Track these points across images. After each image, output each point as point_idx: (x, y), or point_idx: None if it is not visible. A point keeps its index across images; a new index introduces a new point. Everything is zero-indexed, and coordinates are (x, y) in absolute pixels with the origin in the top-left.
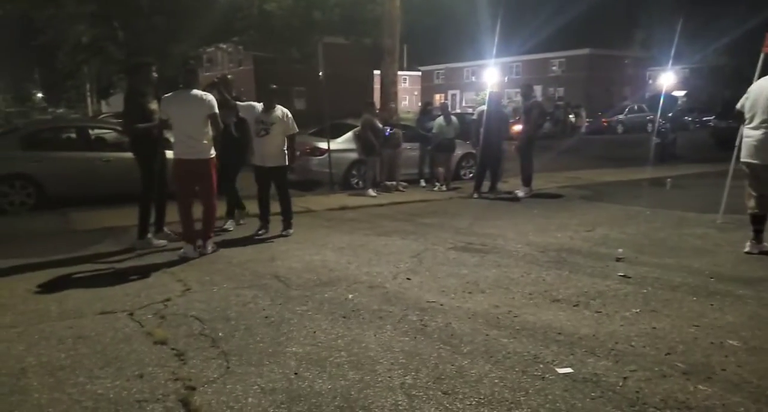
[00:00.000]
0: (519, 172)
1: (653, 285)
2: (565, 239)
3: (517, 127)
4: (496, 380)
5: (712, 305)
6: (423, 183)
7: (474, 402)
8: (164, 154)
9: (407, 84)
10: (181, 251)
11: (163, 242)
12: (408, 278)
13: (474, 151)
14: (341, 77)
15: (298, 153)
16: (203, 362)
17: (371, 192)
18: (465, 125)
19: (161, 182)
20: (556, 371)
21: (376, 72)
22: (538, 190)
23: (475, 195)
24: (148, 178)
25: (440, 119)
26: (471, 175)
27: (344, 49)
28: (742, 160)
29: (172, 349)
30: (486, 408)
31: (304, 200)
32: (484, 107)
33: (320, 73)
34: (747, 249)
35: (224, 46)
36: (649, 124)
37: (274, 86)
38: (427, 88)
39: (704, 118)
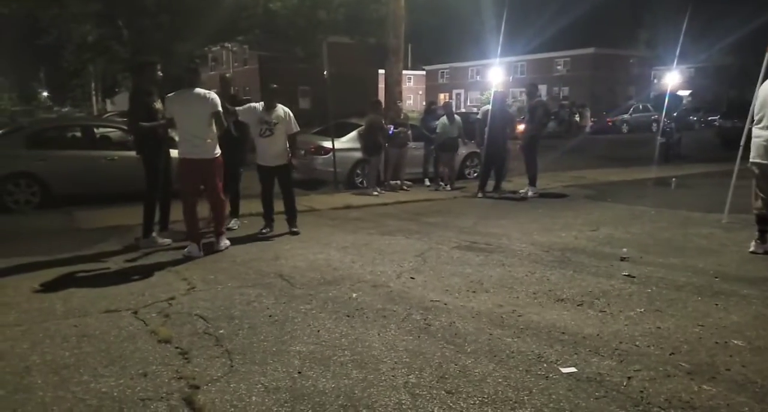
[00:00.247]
0: (524, 171)
1: (658, 285)
2: (569, 238)
3: (522, 127)
4: (499, 380)
5: (716, 304)
6: (427, 182)
7: (477, 401)
8: (168, 153)
9: (412, 83)
10: (186, 249)
11: (167, 240)
12: (412, 277)
13: (478, 150)
14: (346, 76)
15: (302, 152)
16: (207, 360)
17: (374, 191)
18: (469, 125)
19: (165, 181)
20: (560, 371)
21: (381, 71)
22: (543, 189)
23: (480, 194)
24: (152, 177)
25: (443, 119)
26: (475, 174)
27: (349, 48)
28: (751, 160)
29: (176, 347)
30: (489, 407)
31: (309, 199)
32: (489, 107)
33: (325, 73)
34: (752, 249)
35: (229, 45)
36: (654, 124)
37: (275, 86)
38: (432, 88)
39: (709, 118)
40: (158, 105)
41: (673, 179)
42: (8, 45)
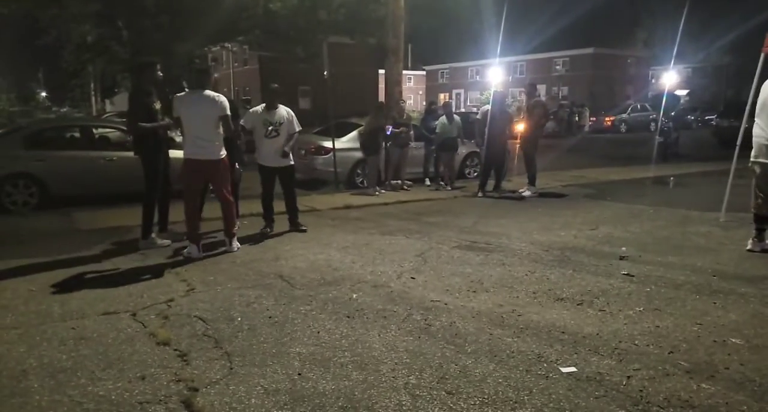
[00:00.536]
0: (523, 171)
1: (657, 283)
2: (569, 237)
3: (521, 126)
4: (500, 380)
5: (715, 303)
6: (428, 182)
7: (478, 402)
8: (168, 153)
9: (412, 83)
10: (185, 250)
11: (166, 241)
12: (412, 277)
13: (478, 150)
14: (346, 77)
15: (302, 152)
16: (206, 362)
17: (375, 191)
18: (468, 125)
19: (165, 182)
20: (559, 370)
21: (381, 71)
22: (543, 188)
23: (480, 194)
24: (151, 177)
25: (443, 118)
26: (475, 174)
27: (349, 48)
28: (752, 159)
29: (175, 350)
30: (490, 408)
31: (309, 199)
32: (489, 106)
33: (325, 73)
34: (749, 247)
35: (229, 45)
36: (652, 123)
37: (276, 86)
38: (432, 88)
39: (707, 117)
40: (158, 106)
41: (671, 178)
42: (7, 45)
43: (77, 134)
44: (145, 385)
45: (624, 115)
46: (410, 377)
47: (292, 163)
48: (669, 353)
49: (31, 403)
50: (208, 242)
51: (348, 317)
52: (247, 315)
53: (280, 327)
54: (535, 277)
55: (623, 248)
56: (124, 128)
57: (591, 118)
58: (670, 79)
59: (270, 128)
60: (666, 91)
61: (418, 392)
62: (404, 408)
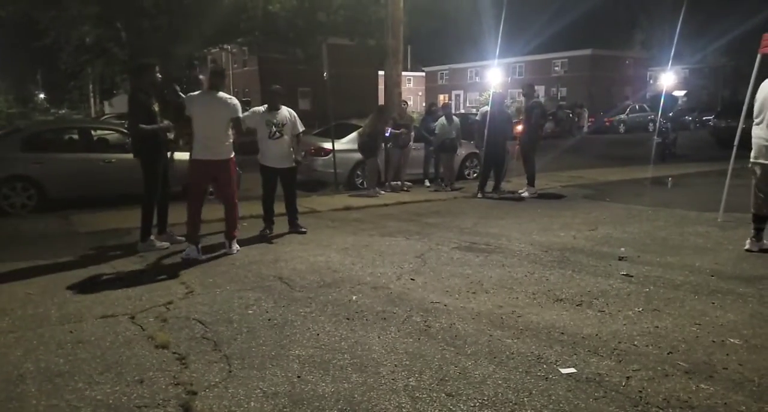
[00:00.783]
0: (522, 172)
1: (655, 284)
2: (568, 238)
3: (520, 127)
4: (499, 381)
5: (713, 303)
6: (428, 183)
7: (478, 404)
8: (167, 155)
9: (411, 85)
10: (184, 252)
11: (165, 243)
12: (412, 279)
13: (477, 151)
14: (345, 78)
15: (302, 153)
16: (205, 365)
17: (374, 192)
18: (468, 126)
19: (164, 184)
20: (559, 372)
21: (381, 73)
22: (542, 189)
23: (479, 195)
24: (151, 179)
25: (442, 119)
26: (475, 175)
27: (348, 49)
28: (752, 160)
29: (174, 353)
30: (490, 410)
31: (309, 201)
32: (488, 108)
33: (324, 74)
34: (747, 247)
35: (228, 47)
36: (650, 124)
37: (278, 87)
38: (431, 89)
39: (704, 118)
40: (157, 107)
41: (670, 178)
42: (5, 47)
43: (76, 136)
44: (143, 388)
45: (622, 116)
46: (410, 379)
47: (295, 164)
48: (668, 354)
49: (28, 407)
50: (208, 244)
51: (347, 319)
52: (246, 318)
53: (279, 330)
54: (535, 278)
55: (622, 249)
56: (123, 130)
57: (590, 119)
58: (667, 80)
59: (273, 129)
60: (664, 92)
61: (417, 394)
62: (404, 410)
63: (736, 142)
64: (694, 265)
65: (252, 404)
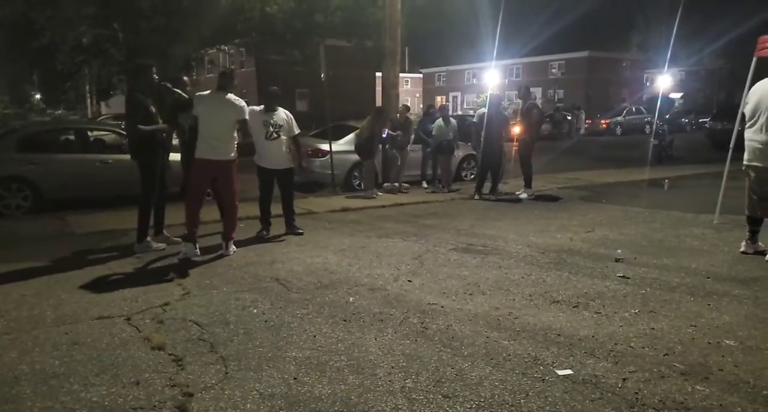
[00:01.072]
0: (519, 173)
1: (652, 286)
2: (565, 239)
3: (517, 129)
4: (496, 383)
5: (709, 305)
6: (425, 185)
7: (474, 405)
8: (164, 156)
9: (409, 86)
10: (182, 251)
11: (162, 245)
12: (409, 280)
13: (475, 152)
14: (343, 79)
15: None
16: (201, 367)
17: (371, 193)
18: (465, 127)
19: (161, 185)
20: (556, 373)
21: (378, 74)
22: (539, 191)
23: (476, 196)
24: (148, 180)
25: (439, 121)
26: (472, 176)
27: (346, 51)
28: (745, 163)
29: (170, 354)
30: (486, 411)
31: (306, 202)
32: (485, 109)
33: (322, 75)
34: (743, 249)
35: (226, 48)
36: (647, 126)
37: (275, 88)
38: (429, 91)
39: (701, 120)
40: (154, 108)
41: (666, 180)
42: (0, 47)
43: (72, 137)
44: (139, 390)
45: (619, 118)
46: (407, 381)
47: (292, 166)
48: (664, 355)
49: (23, 409)
50: (205, 245)
51: (344, 320)
52: (243, 319)
53: (275, 331)
54: (532, 279)
55: (618, 251)
56: (119, 131)
57: (586, 121)
58: (664, 82)
59: (270, 130)
60: (660, 94)
61: (414, 396)
62: None
63: (731, 145)
64: (690, 267)
65: (248, 405)
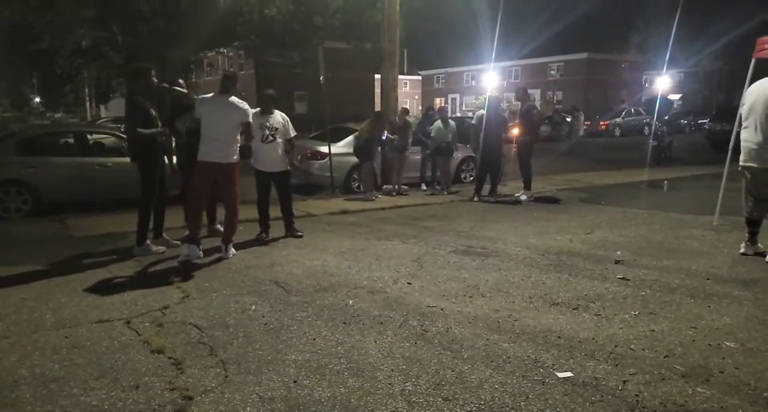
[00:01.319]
0: (518, 175)
1: (651, 287)
2: (564, 241)
3: (516, 131)
4: (496, 386)
5: (709, 306)
6: (424, 187)
7: (474, 408)
8: (164, 159)
9: (408, 88)
10: (184, 252)
11: (161, 248)
12: (409, 283)
13: (474, 154)
14: (342, 81)
15: (299, 157)
16: (201, 370)
17: (370, 196)
18: (464, 129)
19: (161, 187)
20: (556, 376)
21: (377, 76)
22: (538, 192)
23: (476, 198)
24: (148, 183)
25: (438, 123)
26: (471, 178)
27: (345, 53)
28: (741, 164)
29: (170, 358)
30: None
31: (306, 204)
32: (484, 111)
33: (321, 78)
34: (742, 250)
35: (225, 50)
36: (646, 127)
37: (271, 91)
38: (428, 92)
39: (699, 121)
40: (153, 111)
41: (665, 182)
42: (0, 51)
43: (71, 140)
44: (138, 394)
45: (618, 119)
46: (406, 384)
47: (289, 168)
48: (664, 357)
49: None
50: (204, 248)
51: (344, 323)
52: (243, 322)
53: (275, 334)
54: (531, 281)
55: (618, 252)
56: (119, 134)
57: (585, 122)
58: (663, 83)
59: (266, 133)
60: (659, 96)
61: (414, 399)
62: None
63: (731, 146)
64: (690, 268)
65: (248, 409)
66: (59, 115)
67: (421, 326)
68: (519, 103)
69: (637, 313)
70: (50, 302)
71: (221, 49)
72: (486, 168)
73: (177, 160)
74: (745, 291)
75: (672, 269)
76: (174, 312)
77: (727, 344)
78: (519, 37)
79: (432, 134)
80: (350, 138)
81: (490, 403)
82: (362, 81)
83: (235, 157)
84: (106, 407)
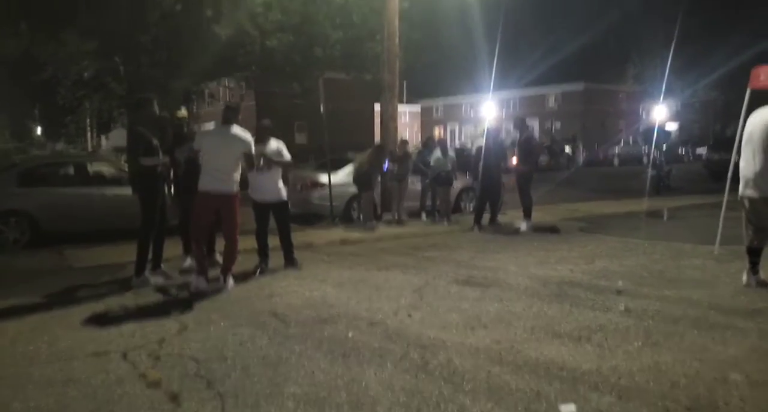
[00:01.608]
0: (518, 204)
1: (654, 318)
2: (565, 271)
3: (515, 160)
4: None
5: (713, 337)
6: (424, 216)
7: None
8: (164, 189)
9: (407, 118)
10: (192, 285)
11: (160, 279)
12: (409, 314)
13: (473, 184)
14: (342, 111)
15: (298, 186)
16: (198, 404)
17: (370, 225)
18: (463, 158)
19: (161, 218)
20: (559, 408)
21: (377, 106)
22: (538, 222)
23: (476, 228)
24: (149, 214)
25: (437, 152)
26: (471, 207)
27: (345, 84)
28: (741, 193)
29: (166, 391)
30: None
31: (305, 234)
32: (483, 141)
33: (321, 108)
34: (744, 281)
35: (226, 81)
36: (645, 157)
37: (266, 121)
38: (427, 122)
39: (697, 151)
40: (156, 141)
41: (665, 211)
42: (2, 81)
43: (71, 171)
44: None
45: (616, 149)
46: None
47: (286, 198)
48: (669, 389)
49: None
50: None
51: (344, 355)
52: (241, 355)
53: (273, 367)
54: (533, 312)
55: (620, 282)
56: (120, 165)
57: (584, 152)
58: (660, 113)
59: (261, 163)
60: (657, 125)
61: None
62: None
63: (729, 175)
64: (692, 298)
65: None
66: (60, 145)
67: (422, 358)
68: (518, 133)
69: (640, 344)
70: (46, 334)
71: (222, 80)
72: (485, 198)
73: (175, 190)
74: (749, 322)
75: (674, 299)
76: (171, 344)
77: (733, 376)
78: (517, 68)
79: (431, 164)
80: (350, 168)
81: None
82: (362, 111)
83: (235, 187)
84: None
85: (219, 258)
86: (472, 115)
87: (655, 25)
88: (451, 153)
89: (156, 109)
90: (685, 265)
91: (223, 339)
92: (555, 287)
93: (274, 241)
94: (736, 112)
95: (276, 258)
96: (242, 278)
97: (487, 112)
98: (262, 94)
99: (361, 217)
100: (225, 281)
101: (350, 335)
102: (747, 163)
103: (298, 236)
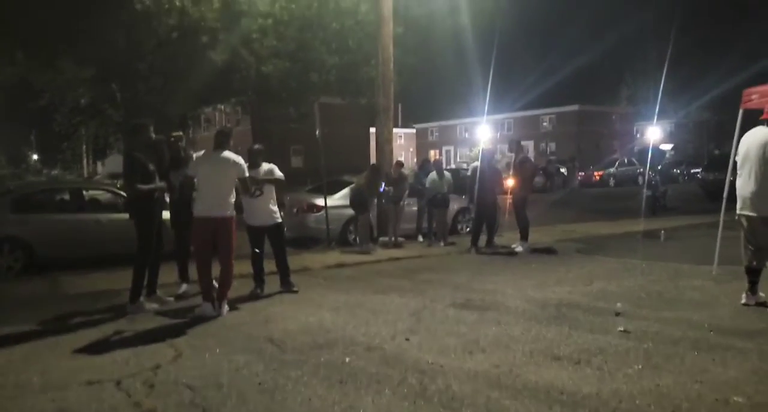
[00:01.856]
0: (514, 226)
1: (654, 340)
2: (563, 293)
3: (510, 182)
4: None
5: (713, 359)
6: (421, 238)
7: None
8: (161, 215)
9: (402, 141)
10: (199, 309)
11: (155, 305)
12: (407, 339)
13: (469, 206)
14: (338, 135)
15: (295, 210)
16: None
17: (367, 248)
18: (459, 180)
19: (157, 244)
20: None
21: (372, 130)
22: (535, 244)
23: (472, 250)
24: (145, 240)
25: (433, 174)
26: (468, 229)
27: (340, 108)
28: (738, 212)
29: None
30: None
31: (301, 258)
32: (478, 163)
33: (317, 132)
34: (744, 301)
35: (222, 106)
36: (640, 177)
37: (257, 146)
38: (422, 145)
39: (692, 171)
40: (152, 167)
41: (662, 232)
42: None
43: (67, 197)
44: None
45: (612, 170)
46: None
47: (281, 221)
48: None
49: None
50: (197, 303)
51: (341, 381)
52: (236, 381)
53: (270, 394)
54: (532, 335)
55: (618, 304)
56: (115, 190)
57: (579, 173)
58: (654, 134)
59: (254, 187)
60: (651, 146)
61: None
62: None
63: (725, 195)
64: (692, 319)
65: None
66: (56, 171)
67: (420, 383)
68: (513, 155)
69: (640, 366)
70: (38, 363)
71: (218, 105)
72: (481, 220)
73: (170, 216)
74: (749, 343)
75: (673, 320)
76: (166, 372)
77: (735, 398)
78: (511, 90)
79: (427, 185)
80: (346, 191)
81: None
82: (357, 135)
83: (230, 210)
84: None
85: (215, 284)
86: (467, 137)
87: (648, 47)
88: (447, 174)
89: (152, 134)
90: (684, 286)
91: (219, 366)
92: (553, 310)
93: (270, 266)
94: (730, 132)
95: (271, 283)
96: (238, 303)
97: (482, 134)
98: (258, 119)
99: (358, 239)
100: (220, 306)
101: (347, 360)
102: (744, 183)
103: (295, 260)
